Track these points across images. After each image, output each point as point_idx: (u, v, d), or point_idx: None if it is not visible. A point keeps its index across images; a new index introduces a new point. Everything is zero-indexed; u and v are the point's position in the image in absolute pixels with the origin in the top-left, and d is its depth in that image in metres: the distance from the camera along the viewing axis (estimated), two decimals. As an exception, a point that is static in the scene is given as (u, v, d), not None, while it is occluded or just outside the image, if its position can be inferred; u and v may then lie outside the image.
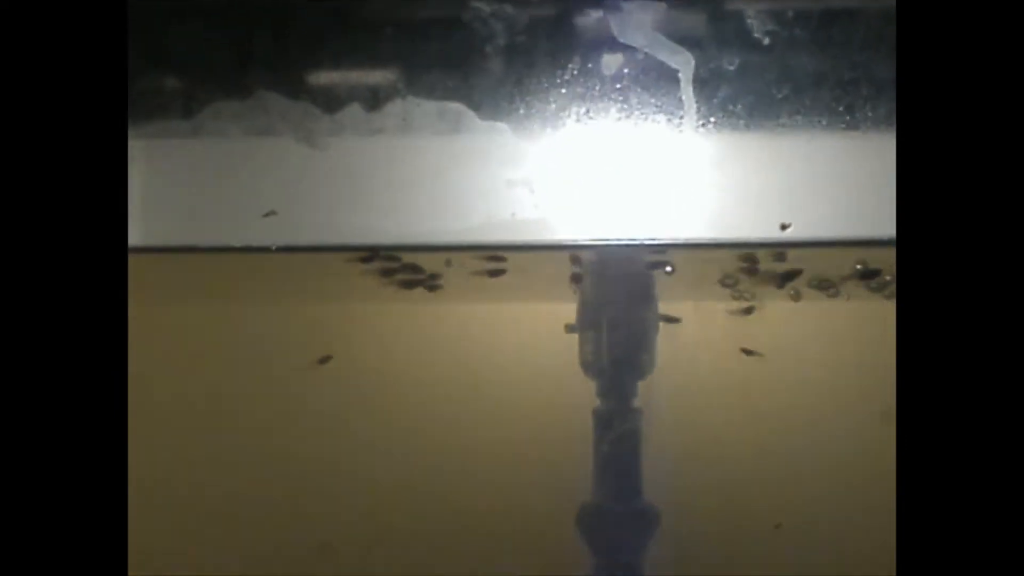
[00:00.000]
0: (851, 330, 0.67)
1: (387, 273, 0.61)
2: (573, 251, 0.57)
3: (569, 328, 0.70)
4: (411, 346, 0.70)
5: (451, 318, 0.69)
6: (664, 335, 0.68)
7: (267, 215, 0.54)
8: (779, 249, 0.56)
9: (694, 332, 0.68)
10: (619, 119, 0.54)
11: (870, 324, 0.64)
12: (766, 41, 0.53)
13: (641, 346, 0.68)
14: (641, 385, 0.69)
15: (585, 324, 0.69)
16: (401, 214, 0.54)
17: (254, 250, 0.54)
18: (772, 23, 0.53)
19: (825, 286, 0.63)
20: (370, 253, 0.57)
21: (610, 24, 0.53)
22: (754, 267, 0.60)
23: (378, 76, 0.55)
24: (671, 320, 0.67)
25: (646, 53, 0.53)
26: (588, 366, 0.69)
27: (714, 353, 0.69)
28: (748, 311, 0.66)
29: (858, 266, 0.60)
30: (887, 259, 0.58)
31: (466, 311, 0.67)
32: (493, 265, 0.61)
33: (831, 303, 0.64)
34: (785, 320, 0.66)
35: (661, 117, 0.54)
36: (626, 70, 0.54)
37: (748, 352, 0.67)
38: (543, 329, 0.70)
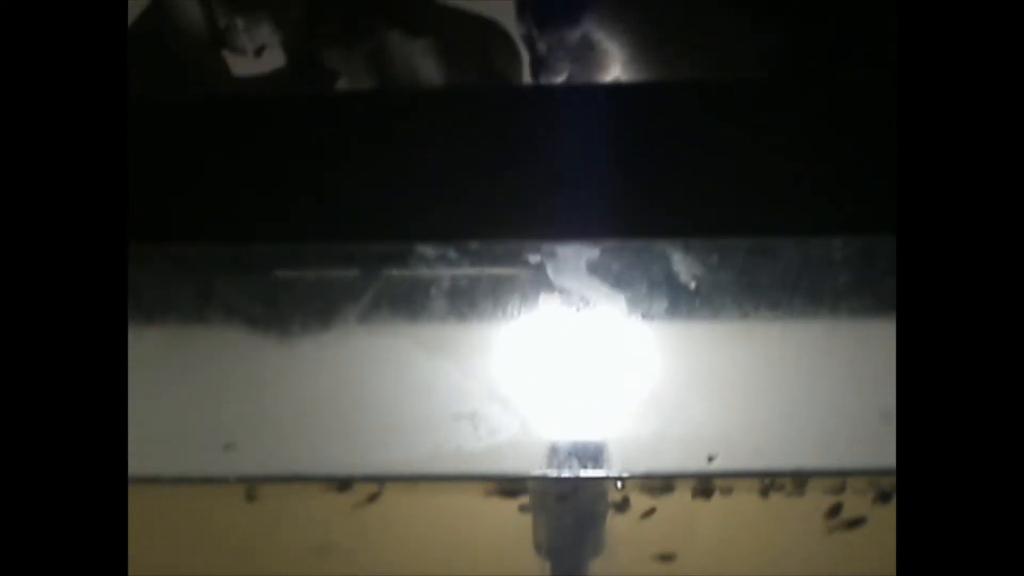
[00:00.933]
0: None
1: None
2: (519, 482, 0.60)
3: (523, 508, 0.73)
4: (365, 527, 0.73)
5: (404, 498, 0.72)
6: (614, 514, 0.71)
7: (227, 448, 0.57)
8: (707, 479, 0.60)
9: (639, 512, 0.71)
10: (559, 356, 0.57)
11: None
12: (692, 285, 0.56)
13: (592, 526, 0.72)
14: (593, 563, 0.72)
15: (537, 505, 0.72)
16: (350, 445, 0.57)
17: (214, 481, 0.58)
18: (697, 267, 0.56)
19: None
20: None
21: (547, 268, 0.57)
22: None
23: (330, 314, 0.58)
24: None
25: (582, 294, 0.57)
26: (541, 546, 0.72)
27: (662, 532, 0.72)
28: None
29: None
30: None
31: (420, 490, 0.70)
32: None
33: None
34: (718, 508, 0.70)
35: (597, 353, 0.57)
36: (563, 308, 0.57)
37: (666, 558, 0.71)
38: (497, 509, 0.73)
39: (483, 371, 0.57)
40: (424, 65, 0.76)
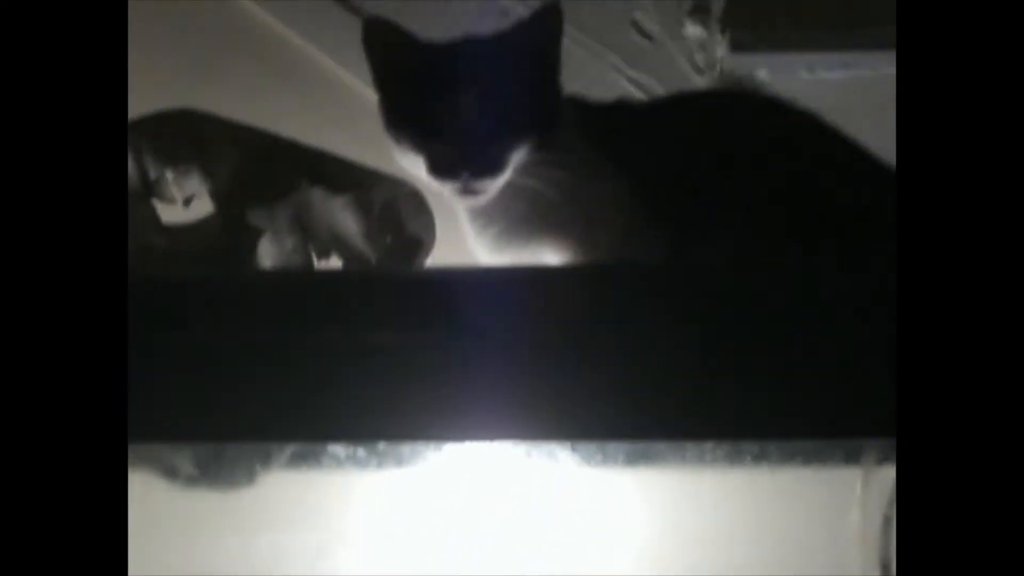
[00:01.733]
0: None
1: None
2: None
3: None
4: None
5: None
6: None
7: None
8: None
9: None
10: (459, 541, 0.63)
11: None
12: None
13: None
14: None
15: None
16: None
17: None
18: (584, 466, 0.63)
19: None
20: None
21: (448, 464, 0.63)
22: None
23: (248, 499, 0.63)
24: None
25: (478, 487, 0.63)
26: None
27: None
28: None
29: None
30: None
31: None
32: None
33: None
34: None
35: (492, 538, 0.63)
36: (460, 500, 0.63)
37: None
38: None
39: (390, 560, 0.63)
40: (343, 219, 0.81)
